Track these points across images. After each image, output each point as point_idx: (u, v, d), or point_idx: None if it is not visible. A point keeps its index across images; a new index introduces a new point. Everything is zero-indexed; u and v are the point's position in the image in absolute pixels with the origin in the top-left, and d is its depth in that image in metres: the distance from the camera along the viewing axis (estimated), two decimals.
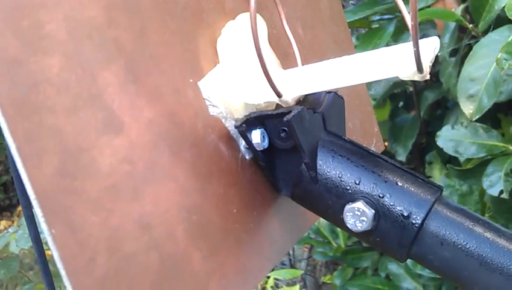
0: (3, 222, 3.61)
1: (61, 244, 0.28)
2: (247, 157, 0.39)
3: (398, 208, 0.37)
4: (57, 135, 0.29)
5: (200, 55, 0.38)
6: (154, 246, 0.32)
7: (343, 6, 1.53)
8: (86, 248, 0.29)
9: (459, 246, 0.37)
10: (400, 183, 0.38)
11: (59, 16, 0.30)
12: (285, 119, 0.37)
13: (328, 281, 1.56)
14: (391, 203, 0.37)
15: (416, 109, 1.35)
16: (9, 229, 1.16)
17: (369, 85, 1.45)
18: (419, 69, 0.34)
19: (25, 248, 1.06)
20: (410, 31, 0.33)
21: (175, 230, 0.34)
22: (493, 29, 1.02)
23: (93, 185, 0.30)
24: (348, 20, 1.19)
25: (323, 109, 0.40)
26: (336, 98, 0.42)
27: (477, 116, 0.98)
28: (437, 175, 1.27)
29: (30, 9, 0.29)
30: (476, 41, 1.07)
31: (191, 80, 0.37)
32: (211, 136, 0.38)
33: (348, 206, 0.37)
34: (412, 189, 0.38)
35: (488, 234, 0.37)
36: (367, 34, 1.26)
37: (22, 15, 0.28)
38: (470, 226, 0.37)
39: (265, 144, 0.38)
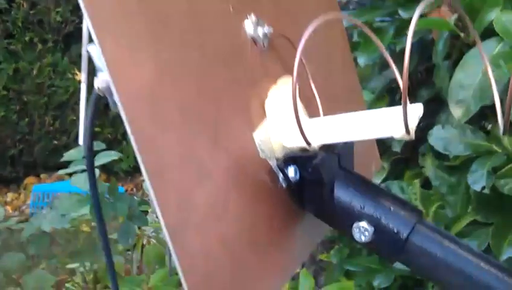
0: (10, 194, 3.74)
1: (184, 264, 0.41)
2: (284, 185, 0.52)
3: (391, 226, 0.50)
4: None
5: (254, 113, 0.53)
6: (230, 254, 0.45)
7: (343, 9, 1.64)
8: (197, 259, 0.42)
9: (434, 255, 0.50)
10: (392, 208, 0.51)
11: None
12: (313, 162, 0.51)
13: (325, 259, 1.69)
14: (386, 223, 0.50)
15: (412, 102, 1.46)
16: (43, 211, 1.29)
17: (368, 78, 1.57)
18: (407, 132, 0.46)
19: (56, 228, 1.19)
20: (402, 97, 0.45)
21: (239, 242, 0.48)
22: (483, 39, 1.13)
23: (196, 215, 0.43)
24: (349, 24, 1.31)
25: (338, 150, 0.53)
26: (347, 142, 0.55)
27: (465, 120, 1.10)
28: (429, 165, 1.38)
29: None
30: (467, 48, 1.18)
31: (248, 134, 0.52)
32: (261, 172, 0.52)
33: (355, 224, 0.51)
34: (401, 212, 0.51)
35: (453, 246, 0.50)
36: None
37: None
38: (442, 241, 0.50)
39: (297, 177, 0.52)
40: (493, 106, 1.14)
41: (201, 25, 0.47)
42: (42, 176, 3.83)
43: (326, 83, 0.62)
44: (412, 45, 1.33)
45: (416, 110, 0.49)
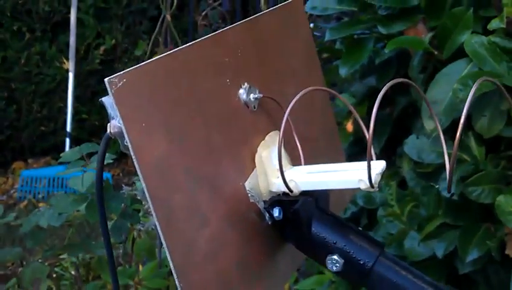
0: None
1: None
2: (269, 223, 0.63)
3: (358, 258, 0.61)
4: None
5: (245, 165, 0.63)
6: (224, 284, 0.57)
7: (326, 23, 1.72)
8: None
9: (394, 282, 0.60)
10: (359, 243, 0.62)
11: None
12: (294, 207, 0.61)
13: None
14: (354, 256, 0.61)
15: (391, 107, 1.57)
16: (41, 209, 1.38)
17: (350, 83, 1.66)
18: (371, 186, 0.57)
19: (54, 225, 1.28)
20: (367, 157, 0.55)
21: (233, 273, 0.59)
22: (455, 59, 1.23)
23: (197, 256, 0.54)
24: (332, 38, 1.40)
25: (316, 193, 0.64)
26: None
27: (436, 133, 1.21)
28: (406, 166, 1.48)
29: None
30: (441, 64, 1.28)
31: (240, 183, 0.62)
32: (251, 214, 0.63)
33: (328, 257, 0.61)
34: (366, 246, 0.62)
35: (409, 275, 0.61)
36: (352, 45, 1.45)
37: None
38: (401, 270, 0.61)
39: (281, 216, 0.63)
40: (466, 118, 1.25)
41: (203, 99, 0.57)
42: (30, 161, 3.92)
43: (307, 127, 0.72)
44: (391, 56, 1.44)
45: (378, 166, 0.60)
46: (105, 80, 0.50)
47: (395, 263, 0.62)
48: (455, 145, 0.53)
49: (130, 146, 0.50)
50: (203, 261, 0.55)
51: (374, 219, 1.51)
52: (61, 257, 2.23)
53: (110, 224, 1.32)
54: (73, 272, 2.08)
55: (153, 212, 0.50)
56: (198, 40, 0.60)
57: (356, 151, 1.64)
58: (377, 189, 0.59)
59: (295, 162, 0.68)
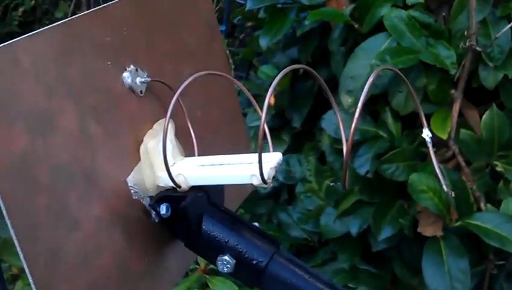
0: None
1: None
2: (156, 221, 0.57)
3: (251, 258, 0.57)
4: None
5: (130, 158, 0.57)
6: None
7: None
8: None
9: (289, 282, 0.57)
10: (254, 241, 0.57)
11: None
12: (182, 205, 0.56)
13: None
14: (246, 256, 0.57)
15: (312, 80, 1.53)
16: None
17: (272, 54, 1.62)
18: (264, 182, 0.52)
19: None
20: (258, 151, 0.51)
21: (112, 277, 0.53)
22: (374, 33, 1.20)
23: (65, 267, 0.48)
24: (253, 7, 1.34)
25: (208, 188, 0.59)
26: None
27: (353, 109, 1.18)
28: (325, 141, 1.46)
29: None
30: (361, 37, 1.25)
31: (122, 179, 0.55)
32: (134, 212, 0.57)
33: (219, 257, 0.57)
34: (261, 244, 0.58)
35: (305, 274, 0.57)
36: (274, 15, 1.40)
37: None
38: (296, 269, 0.57)
39: (169, 213, 0.57)
40: (383, 94, 1.23)
41: (77, 85, 0.50)
42: None
43: (205, 113, 0.66)
44: (313, 28, 1.39)
45: (274, 159, 0.55)
46: None
47: (290, 261, 0.58)
48: (349, 139, 0.49)
49: None
50: (73, 270, 0.49)
51: (294, 194, 1.49)
52: None
53: None
54: None
55: (7, 220, 0.44)
56: (75, 16, 0.53)
57: (278, 124, 1.61)
58: (271, 184, 0.55)
59: (191, 152, 0.62)
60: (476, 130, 1.20)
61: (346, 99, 1.19)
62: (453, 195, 0.58)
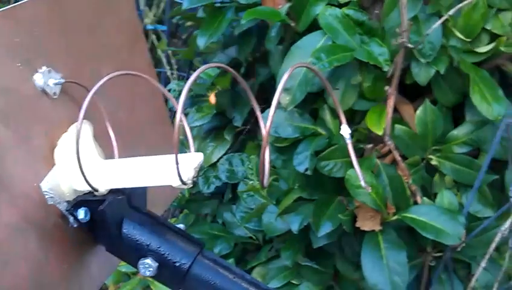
0: None
1: None
2: (75, 226, 0.56)
3: (174, 260, 0.56)
4: None
5: (43, 163, 0.55)
6: None
7: None
8: None
9: (213, 283, 0.57)
10: (177, 243, 0.57)
11: None
12: (99, 209, 0.54)
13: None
14: (169, 258, 0.56)
15: (254, 78, 1.53)
16: None
17: (212, 54, 1.61)
18: (183, 183, 0.52)
19: None
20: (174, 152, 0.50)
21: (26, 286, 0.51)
22: (310, 32, 1.20)
23: None
24: (190, 6, 1.33)
25: (128, 190, 0.58)
26: None
27: (291, 107, 1.18)
28: None
29: None
30: (298, 35, 1.26)
31: (35, 184, 0.54)
32: (50, 218, 0.56)
33: (140, 261, 0.56)
34: (184, 246, 0.57)
35: (229, 274, 0.57)
36: (211, 14, 1.39)
37: None
38: (220, 270, 0.57)
39: (87, 218, 0.56)
40: (321, 91, 1.24)
41: None
42: None
43: (128, 114, 0.65)
44: (251, 27, 1.39)
45: (194, 160, 0.55)
46: None
47: (214, 262, 0.58)
48: (264, 138, 0.49)
49: None
50: None
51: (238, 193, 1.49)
52: None
53: None
54: None
55: None
56: None
57: (220, 124, 1.60)
58: (191, 185, 0.54)
59: (112, 155, 0.61)
60: (411, 126, 1.23)
61: (284, 98, 1.19)
62: (370, 190, 0.59)
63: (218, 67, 1.54)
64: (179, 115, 0.50)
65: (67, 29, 0.58)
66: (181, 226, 0.61)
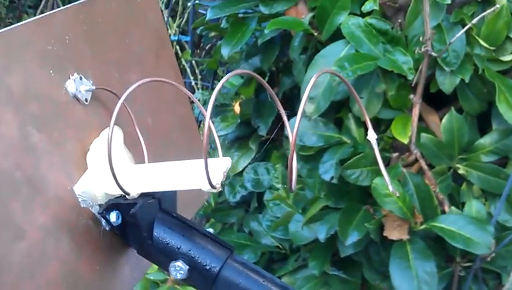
0: None
1: None
2: (107, 229, 0.57)
3: (204, 263, 0.57)
4: None
5: (76, 167, 0.56)
6: None
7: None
8: None
9: (243, 287, 0.57)
10: (206, 247, 0.58)
11: None
12: (131, 211, 0.55)
13: None
14: (199, 261, 0.57)
15: (277, 87, 1.54)
16: None
17: (236, 63, 1.62)
18: (213, 187, 0.52)
19: None
20: (204, 157, 0.51)
21: (59, 287, 0.52)
22: (334, 41, 1.21)
23: (9, 276, 0.47)
24: (214, 16, 1.34)
25: (159, 194, 0.58)
26: None
27: (316, 116, 1.19)
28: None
29: None
30: (321, 44, 1.26)
31: (68, 187, 0.55)
32: (82, 220, 0.56)
33: (171, 263, 0.57)
34: (213, 250, 0.57)
35: (259, 278, 0.57)
36: (235, 25, 1.40)
37: None
38: (250, 274, 0.57)
39: (119, 221, 0.57)
40: (345, 100, 1.24)
41: (17, 93, 0.50)
42: None
43: (156, 119, 0.66)
44: (274, 36, 1.40)
45: (223, 165, 0.55)
46: None
47: (244, 266, 0.58)
48: (290, 160, 0.49)
49: None
50: (18, 280, 0.48)
51: (264, 202, 1.49)
52: None
53: None
54: None
55: None
56: (18, 24, 0.53)
57: (244, 133, 1.61)
58: (220, 189, 0.55)
59: (142, 159, 0.62)
60: (436, 134, 1.22)
61: (309, 106, 1.20)
62: (398, 194, 0.59)
63: (244, 75, 1.56)
64: (207, 120, 0.51)
65: (97, 37, 0.60)
66: (210, 230, 0.61)
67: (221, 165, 0.55)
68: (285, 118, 0.59)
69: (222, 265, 0.57)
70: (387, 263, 1.18)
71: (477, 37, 1.13)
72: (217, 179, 0.53)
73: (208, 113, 0.51)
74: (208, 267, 0.57)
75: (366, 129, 1.27)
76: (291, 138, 0.55)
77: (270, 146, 1.62)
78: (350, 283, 1.34)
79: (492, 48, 1.13)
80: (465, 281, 1.26)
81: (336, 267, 1.34)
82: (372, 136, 0.56)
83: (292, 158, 0.52)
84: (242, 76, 1.58)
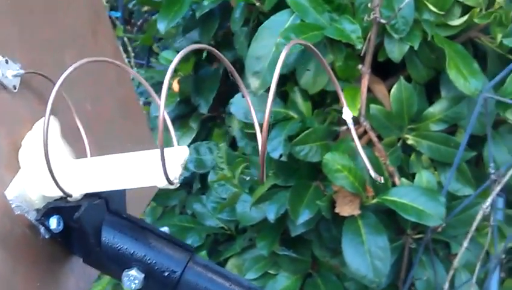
0: None
1: None
2: (46, 237, 0.49)
3: (162, 269, 0.50)
4: None
5: (6, 167, 0.47)
6: None
7: None
8: None
9: None
10: (164, 250, 0.51)
11: None
12: (75, 216, 0.48)
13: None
14: (157, 268, 0.50)
15: (218, 62, 1.47)
16: None
17: (173, 38, 1.53)
18: (170, 183, 0.45)
19: None
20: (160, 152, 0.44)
21: None
22: (278, 10, 1.15)
23: None
24: None
25: (106, 193, 0.51)
26: None
27: (262, 91, 1.13)
28: (235, 125, 1.40)
29: None
30: (264, 16, 1.20)
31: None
32: (17, 229, 0.48)
33: (124, 273, 0.50)
34: (172, 253, 0.51)
35: (223, 281, 0.51)
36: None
37: None
38: (213, 277, 0.51)
39: (61, 227, 0.49)
40: (291, 74, 1.18)
41: None
42: None
43: (97, 106, 0.58)
44: (213, 8, 1.32)
45: (180, 155, 0.48)
46: None
47: (207, 269, 0.52)
48: (264, 129, 0.43)
49: None
50: None
51: (207, 183, 1.43)
52: None
53: None
54: None
55: None
56: None
57: (184, 112, 1.54)
58: (178, 184, 0.48)
59: (83, 153, 0.54)
60: (385, 105, 1.19)
61: (254, 82, 1.14)
62: (382, 181, 0.54)
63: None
64: (162, 106, 0.44)
65: (24, 12, 0.51)
66: (165, 229, 0.54)
67: (178, 156, 0.48)
68: (247, 97, 0.53)
69: (183, 270, 0.51)
70: (338, 239, 1.15)
71: (426, 2, 1.10)
72: (175, 172, 0.47)
73: (162, 99, 0.44)
74: (166, 274, 0.50)
75: (314, 103, 1.23)
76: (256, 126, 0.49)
77: (212, 124, 1.56)
78: (300, 262, 1.30)
79: (441, 13, 1.10)
80: (416, 252, 1.25)
81: (285, 247, 1.30)
82: (347, 114, 0.51)
83: (264, 147, 0.46)
84: (179, 51, 1.49)
